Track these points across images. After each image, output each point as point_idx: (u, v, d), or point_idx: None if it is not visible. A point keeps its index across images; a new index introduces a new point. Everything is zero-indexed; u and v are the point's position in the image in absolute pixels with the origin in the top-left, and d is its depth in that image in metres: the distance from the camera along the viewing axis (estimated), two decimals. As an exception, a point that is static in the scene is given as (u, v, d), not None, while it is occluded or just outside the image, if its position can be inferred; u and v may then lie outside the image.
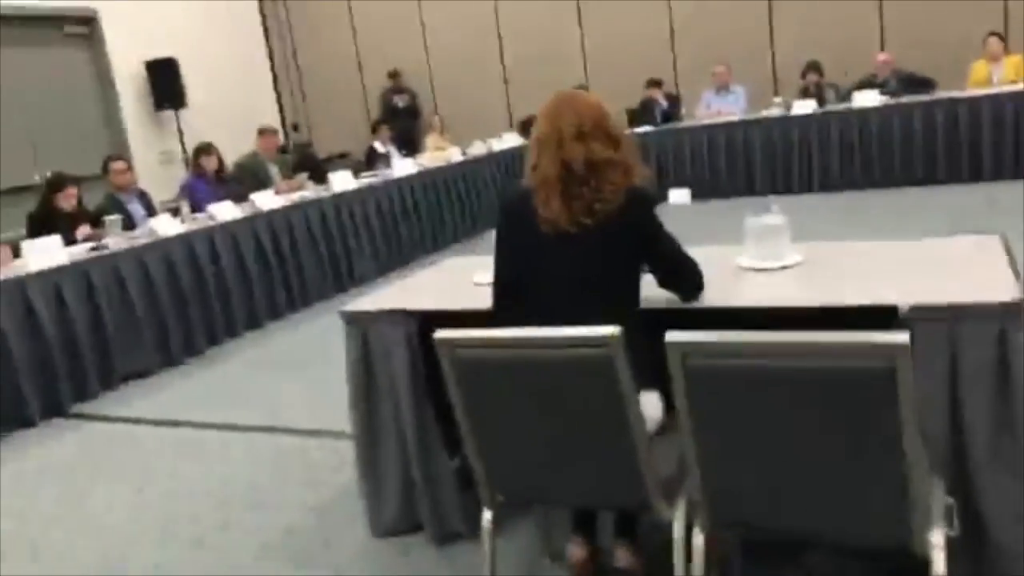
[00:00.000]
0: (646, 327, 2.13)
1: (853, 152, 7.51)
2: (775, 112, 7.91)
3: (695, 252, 2.16)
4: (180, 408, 4.24)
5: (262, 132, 6.93)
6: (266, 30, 11.41)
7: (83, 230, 5.15)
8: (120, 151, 9.16)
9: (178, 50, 9.38)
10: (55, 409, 4.35)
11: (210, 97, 9.74)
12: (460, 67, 10.67)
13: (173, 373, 4.83)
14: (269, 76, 11.50)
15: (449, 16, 10.61)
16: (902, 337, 1.41)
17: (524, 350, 1.74)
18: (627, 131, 2.20)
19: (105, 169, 5.91)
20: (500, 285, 2.16)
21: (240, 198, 6.01)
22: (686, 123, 8.39)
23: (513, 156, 8.36)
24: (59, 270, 4.49)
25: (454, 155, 8.02)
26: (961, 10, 8.11)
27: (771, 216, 2.43)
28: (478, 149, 8.37)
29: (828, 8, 8.68)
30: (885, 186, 7.30)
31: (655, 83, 8.74)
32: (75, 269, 4.56)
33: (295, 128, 11.76)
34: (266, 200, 5.88)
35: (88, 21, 8.87)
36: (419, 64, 10.89)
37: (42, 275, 4.41)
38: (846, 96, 7.74)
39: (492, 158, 8.31)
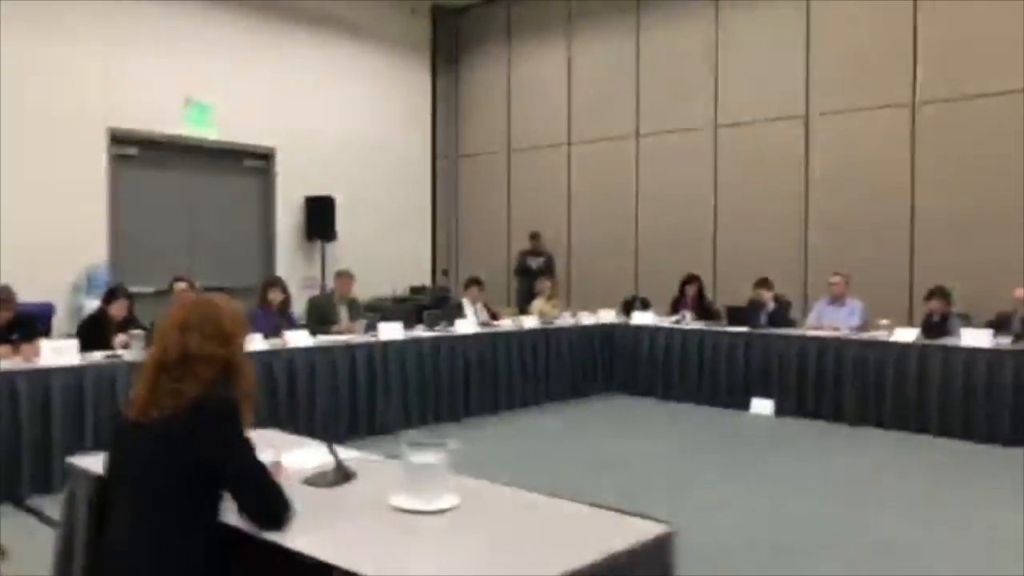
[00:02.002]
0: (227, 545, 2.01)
1: (965, 395, 6.55)
2: (877, 335, 7.14)
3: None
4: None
5: (339, 275, 7.44)
6: (434, 184, 12.37)
7: (120, 339, 5.76)
8: (268, 272, 10.26)
9: (338, 190, 10.45)
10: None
11: (360, 234, 10.64)
12: (596, 235, 10.87)
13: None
14: (429, 224, 12.36)
15: (593, 187, 10.94)
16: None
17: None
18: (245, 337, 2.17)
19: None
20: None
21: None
22: (785, 330, 7.77)
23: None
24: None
25: (527, 321, 8.24)
26: None
27: (429, 453, 2.23)
28: (563, 319, 8.56)
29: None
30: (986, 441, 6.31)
31: (764, 283, 8.26)
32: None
33: (444, 273, 12.40)
34: (299, 338, 6.27)
35: (266, 156, 10.17)
36: (559, 230, 11.19)
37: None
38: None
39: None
